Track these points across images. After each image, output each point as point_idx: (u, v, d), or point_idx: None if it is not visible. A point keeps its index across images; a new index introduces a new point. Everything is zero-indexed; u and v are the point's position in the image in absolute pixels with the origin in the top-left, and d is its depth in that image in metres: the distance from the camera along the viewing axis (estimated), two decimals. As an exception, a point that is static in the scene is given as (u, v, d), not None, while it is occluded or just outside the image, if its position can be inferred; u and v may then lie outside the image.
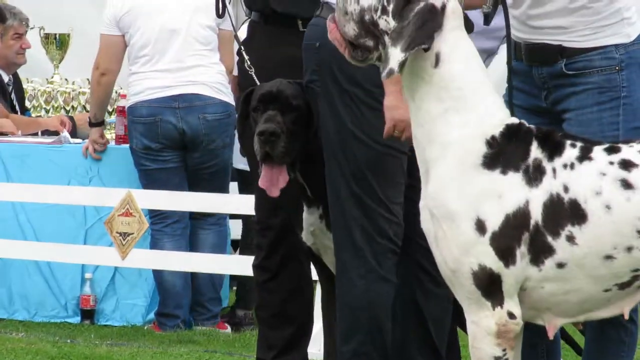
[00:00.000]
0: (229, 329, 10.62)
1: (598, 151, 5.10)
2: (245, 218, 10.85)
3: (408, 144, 6.15)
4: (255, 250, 8.06)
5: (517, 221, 5.05)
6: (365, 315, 6.91)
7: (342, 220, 7.07)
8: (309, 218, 7.30)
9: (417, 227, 5.95)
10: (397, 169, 6.85)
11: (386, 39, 5.19)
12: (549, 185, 5.07)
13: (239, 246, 11.95)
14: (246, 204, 9.21)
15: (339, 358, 6.90)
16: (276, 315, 8.22)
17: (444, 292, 6.49)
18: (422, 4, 5.11)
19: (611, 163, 5.05)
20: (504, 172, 5.06)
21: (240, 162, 11.64)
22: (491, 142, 5.07)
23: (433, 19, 5.10)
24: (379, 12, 5.19)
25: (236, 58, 9.39)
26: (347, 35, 5.29)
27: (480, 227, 5.03)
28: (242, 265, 9.55)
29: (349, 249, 6.87)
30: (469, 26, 5.43)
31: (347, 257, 6.95)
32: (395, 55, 5.10)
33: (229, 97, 11.02)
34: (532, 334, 5.69)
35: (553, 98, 5.97)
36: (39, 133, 11.93)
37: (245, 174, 11.19)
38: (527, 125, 5.23)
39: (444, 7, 5.11)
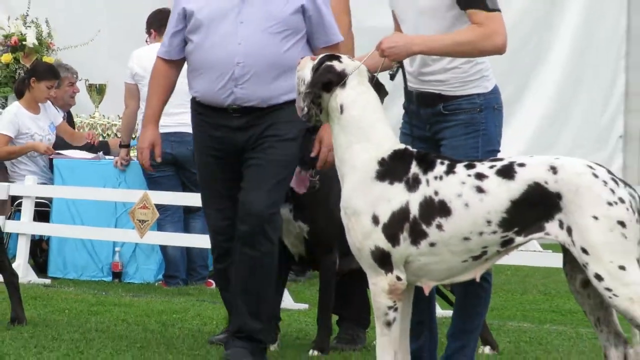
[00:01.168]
0: (213, 286, 10.35)
1: (460, 167, 5.03)
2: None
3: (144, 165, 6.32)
4: None
5: (400, 216, 5.02)
6: None
7: None
8: (282, 209, 6.51)
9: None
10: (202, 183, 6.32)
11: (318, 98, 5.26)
12: (424, 191, 5.00)
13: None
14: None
15: None
16: None
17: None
18: (323, 64, 5.09)
19: (469, 175, 4.95)
20: (391, 183, 5.02)
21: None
22: (382, 162, 5.02)
23: (325, 74, 5.05)
24: (314, 90, 5.28)
25: None
26: (299, 106, 5.25)
27: (375, 220, 5.02)
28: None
29: None
30: (382, 91, 5.24)
31: None
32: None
33: None
34: (417, 291, 5.33)
35: (433, 130, 5.78)
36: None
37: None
38: (410, 149, 5.24)
39: (343, 71, 5.02)
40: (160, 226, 10.08)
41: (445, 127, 5.75)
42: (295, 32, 5.72)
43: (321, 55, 5.37)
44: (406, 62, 5.66)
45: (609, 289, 4.75)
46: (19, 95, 11.39)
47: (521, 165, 5.03)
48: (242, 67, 5.59)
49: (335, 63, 5.17)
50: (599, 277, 4.76)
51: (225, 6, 5.68)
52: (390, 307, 5.12)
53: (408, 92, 5.73)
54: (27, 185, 10.84)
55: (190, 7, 5.73)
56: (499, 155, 5.70)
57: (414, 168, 5.09)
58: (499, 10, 5.44)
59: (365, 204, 5.14)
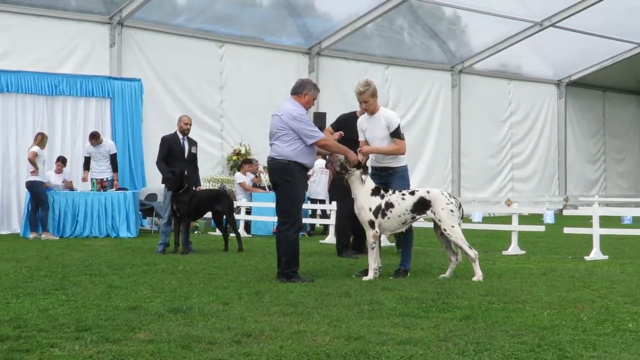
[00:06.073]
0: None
1: (397, 192, 9.00)
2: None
3: None
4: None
5: (378, 207, 8.90)
6: None
7: None
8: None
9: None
10: None
11: (349, 170, 8.88)
12: (386, 199, 8.96)
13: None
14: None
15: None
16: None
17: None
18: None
19: (399, 194, 9.06)
20: (375, 196, 8.96)
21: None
22: (372, 189, 8.96)
23: (363, 166, 8.88)
24: (345, 163, 8.96)
25: None
26: (335, 167, 9.14)
27: (370, 209, 8.91)
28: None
29: None
30: (365, 168, 9.24)
31: None
32: (358, 172, 8.86)
33: None
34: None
35: (384, 180, 9.36)
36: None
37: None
38: (379, 186, 9.00)
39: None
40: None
41: (391, 177, 9.35)
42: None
43: (342, 157, 8.89)
44: (372, 157, 9.15)
45: (449, 234, 8.82)
46: None
47: (417, 191, 9.00)
48: None
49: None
50: (445, 230, 8.86)
51: None
52: (373, 242, 8.84)
53: (373, 167, 9.15)
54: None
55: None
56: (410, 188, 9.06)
57: (382, 192, 8.91)
58: (404, 139, 9.20)
59: (367, 203, 8.91)
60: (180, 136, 13.10)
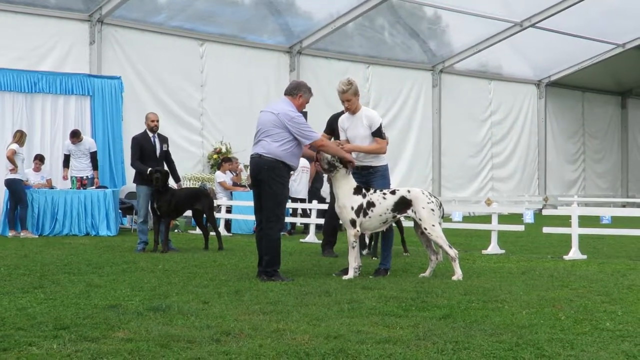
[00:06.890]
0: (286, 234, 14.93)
1: (378, 191, 8.93)
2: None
3: None
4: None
5: (360, 207, 8.90)
6: None
7: None
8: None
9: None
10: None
11: (337, 167, 8.81)
12: (368, 198, 8.90)
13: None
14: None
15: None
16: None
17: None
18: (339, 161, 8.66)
19: (381, 193, 8.96)
20: (357, 195, 8.93)
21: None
22: (355, 188, 8.90)
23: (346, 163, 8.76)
24: (333, 161, 8.89)
25: None
26: (323, 165, 9.00)
27: (352, 208, 8.86)
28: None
29: None
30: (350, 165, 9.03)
31: None
32: (343, 171, 8.78)
33: None
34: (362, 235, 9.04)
35: (365, 179, 9.34)
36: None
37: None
38: (361, 185, 8.94)
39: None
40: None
41: (372, 177, 9.35)
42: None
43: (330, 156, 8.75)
44: (353, 156, 9.04)
45: (429, 233, 8.82)
46: None
47: (398, 190, 8.96)
48: None
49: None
50: (425, 229, 8.84)
51: None
52: (354, 241, 8.85)
53: (356, 167, 9.04)
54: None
55: None
56: (391, 188, 9.05)
57: (364, 191, 8.86)
58: (385, 138, 9.18)
59: (348, 202, 8.86)
60: (150, 134, 13.03)
